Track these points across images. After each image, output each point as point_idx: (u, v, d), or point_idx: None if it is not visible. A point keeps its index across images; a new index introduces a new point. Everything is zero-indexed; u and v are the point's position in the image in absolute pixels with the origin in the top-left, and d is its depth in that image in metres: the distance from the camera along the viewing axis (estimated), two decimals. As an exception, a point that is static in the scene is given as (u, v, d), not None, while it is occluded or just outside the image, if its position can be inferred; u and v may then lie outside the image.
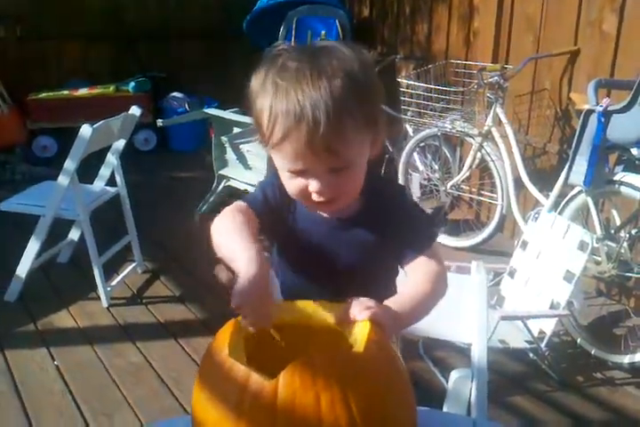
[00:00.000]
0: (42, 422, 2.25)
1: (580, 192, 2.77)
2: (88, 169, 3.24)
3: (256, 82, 1.04)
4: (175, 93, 5.50)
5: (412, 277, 1.12)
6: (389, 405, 0.84)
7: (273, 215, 1.16)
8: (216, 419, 0.83)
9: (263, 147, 1.07)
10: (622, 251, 2.62)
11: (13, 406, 2.33)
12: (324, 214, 1.15)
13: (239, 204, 1.14)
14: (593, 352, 2.68)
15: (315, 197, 1.06)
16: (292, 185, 1.07)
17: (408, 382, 0.90)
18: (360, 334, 0.91)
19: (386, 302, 1.02)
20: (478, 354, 1.46)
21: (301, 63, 1.00)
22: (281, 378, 0.81)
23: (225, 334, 0.90)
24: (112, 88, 5.27)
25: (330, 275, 1.16)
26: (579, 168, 2.68)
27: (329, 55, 1.01)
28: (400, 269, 1.22)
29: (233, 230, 1.05)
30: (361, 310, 0.95)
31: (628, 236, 2.62)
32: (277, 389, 0.80)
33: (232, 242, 1.02)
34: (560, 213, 2.77)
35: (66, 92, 5.20)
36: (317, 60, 1.00)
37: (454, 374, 1.50)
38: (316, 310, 0.99)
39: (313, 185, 1.03)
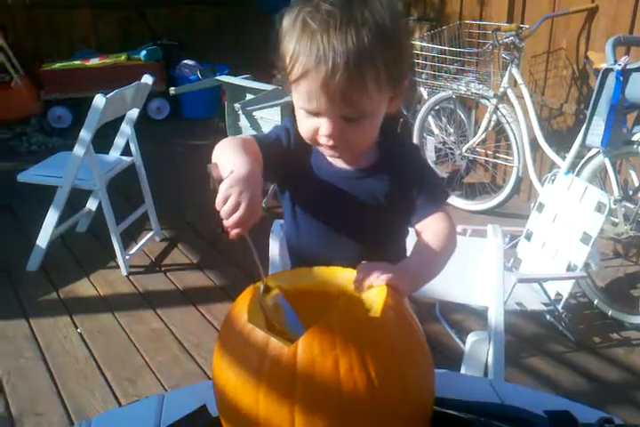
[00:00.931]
0: (68, 387, 2.32)
1: (597, 153, 2.74)
2: (103, 139, 3.26)
3: (287, 19, 1.04)
4: (187, 61, 5.45)
5: (424, 236, 1.11)
6: (407, 368, 0.85)
7: (287, 158, 1.13)
8: (236, 384, 0.85)
9: (284, 85, 1.08)
10: (640, 212, 2.60)
11: (40, 371, 2.40)
12: (342, 164, 1.14)
13: (248, 137, 1.12)
14: (610, 313, 2.69)
15: (323, 140, 1.06)
16: (304, 124, 1.07)
17: (425, 346, 0.91)
18: (377, 298, 0.92)
19: (400, 264, 1.03)
20: (495, 317, 1.47)
21: (334, 8, 0.99)
22: (300, 343, 0.82)
23: (244, 300, 0.91)
24: (124, 57, 5.23)
25: (343, 226, 1.15)
26: (596, 129, 2.64)
27: (364, 3, 1.01)
28: (410, 229, 1.22)
29: (230, 147, 1.04)
30: (377, 274, 0.95)
31: (646, 197, 2.60)
32: (296, 354, 0.81)
33: (227, 154, 1.02)
34: (577, 175, 2.75)
35: (78, 62, 5.17)
36: (350, 8, 0.99)
37: (471, 337, 1.51)
38: (332, 276, 0.99)
39: (323, 128, 1.03)
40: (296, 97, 1.05)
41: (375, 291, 0.94)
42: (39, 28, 5.33)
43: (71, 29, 5.50)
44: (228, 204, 0.90)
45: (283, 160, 1.13)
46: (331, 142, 1.06)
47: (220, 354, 0.90)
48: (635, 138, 2.61)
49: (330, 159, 1.15)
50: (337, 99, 0.99)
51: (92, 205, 3.45)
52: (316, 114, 1.03)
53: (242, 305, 0.90)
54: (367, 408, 0.81)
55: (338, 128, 1.03)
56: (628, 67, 2.50)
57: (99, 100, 2.78)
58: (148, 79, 3.14)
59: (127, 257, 3.14)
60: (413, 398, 0.85)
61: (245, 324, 0.86)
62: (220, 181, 0.92)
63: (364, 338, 0.83)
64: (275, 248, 1.52)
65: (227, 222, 0.91)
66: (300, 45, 0.99)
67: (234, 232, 0.91)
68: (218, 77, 4.14)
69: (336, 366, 0.80)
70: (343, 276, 0.99)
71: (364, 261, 0.99)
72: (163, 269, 3.20)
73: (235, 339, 0.87)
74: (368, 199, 1.14)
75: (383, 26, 1.00)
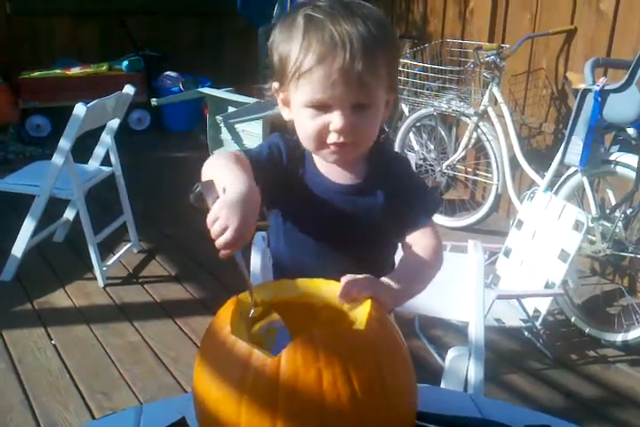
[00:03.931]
0: (40, 400, 2.26)
1: (575, 172, 2.78)
2: (83, 149, 3.23)
3: (284, 22, 1.06)
4: (169, 72, 5.45)
5: (411, 251, 1.11)
6: (391, 382, 0.85)
7: (278, 175, 1.12)
8: (218, 397, 0.84)
9: (278, 94, 1.10)
10: (617, 230, 2.64)
11: (12, 384, 2.34)
12: (337, 179, 1.14)
13: (235, 152, 1.09)
14: (587, 331, 2.71)
15: (333, 137, 1.05)
16: (310, 125, 1.05)
17: (409, 359, 0.91)
18: (361, 311, 0.92)
19: (386, 278, 1.02)
20: (475, 332, 1.47)
21: (334, 5, 1.03)
22: (283, 356, 0.81)
23: (227, 311, 0.90)
24: (105, 67, 5.21)
25: (337, 242, 1.14)
26: (574, 148, 2.68)
27: (358, 6, 1.05)
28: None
29: (221, 164, 1.01)
30: (361, 287, 0.95)
31: (622, 215, 2.63)
32: (279, 366, 0.80)
33: (221, 170, 0.99)
34: (555, 193, 2.78)
35: (58, 70, 5.14)
36: (348, 7, 1.03)
37: (452, 352, 1.51)
38: (316, 288, 0.99)
39: (335, 121, 1.03)
40: (303, 93, 1.03)
41: (359, 304, 0.94)
42: (20, 36, 5.28)
43: (52, 38, 5.45)
44: (216, 226, 0.88)
45: (274, 176, 1.10)
46: (341, 139, 1.05)
47: (201, 365, 0.88)
48: (612, 157, 2.65)
49: (324, 172, 1.14)
50: (355, 83, 1.00)
51: (69, 214, 3.41)
52: (325, 108, 1.03)
53: (224, 316, 0.89)
54: (350, 422, 0.80)
55: (349, 120, 1.03)
56: (606, 88, 2.54)
57: (79, 109, 2.76)
58: (129, 89, 3.13)
59: (104, 268, 3.10)
60: (396, 413, 0.85)
61: (228, 335, 0.85)
62: (215, 199, 0.91)
63: (348, 351, 0.82)
64: (256, 260, 1.51)
65: (216, 242, 0.90)
66: (310, 37, 1.00)
67: (222, 253, 0.90)
68: (200, 89, 4.15)
69: (319, 378, 0.79)
70: (327, 288, 0.99)
71: (348, 274, 0.98)
72: (140, 280, 3.16)
73: (217, 350, 0.87)
74: (364, 216, 1.13)
75: (383, 23, 1.04)
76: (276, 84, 1.11)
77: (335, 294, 0.96)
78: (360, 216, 1.13)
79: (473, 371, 1.46)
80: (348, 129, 1.03)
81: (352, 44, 0.98)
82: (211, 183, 0.94)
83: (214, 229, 0.89)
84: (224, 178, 0.94)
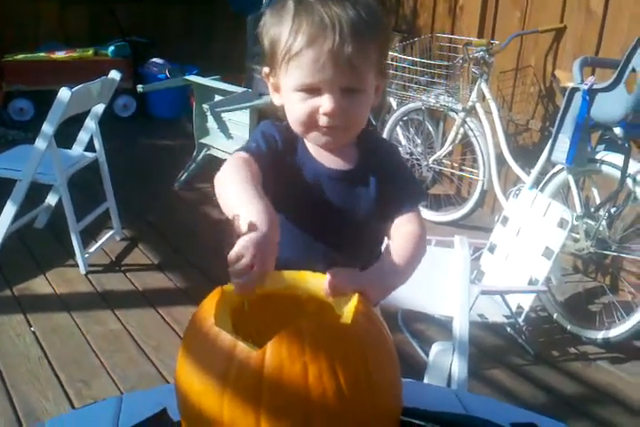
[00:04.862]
0: (18, 388, 2.24)
1: (561, 170, 2.79)
2: (67, 134, 3.18)
3: (273, 9, 1.06)
4: (155, 59, 5.38)
5: (394, 239, 1.11)
6: (377, 377, 0.83)
7: (276, 163, 1.10)
8: (201, 389, 0.82)
9: (268, 78, 1.10)
10: (601, 229, 2.66)
11: (-11, 372, 2.32)
12: (327, 164, 1.13)
13: (242, 155, 1.07)
14: (568, 328, 2.73)
15: (323, 120, 1.04)
16: (300, 108, 1.05)
17: (394, 354, 0.90)
18: (347, 304, 0.91)
19: (370, 270, 1.01)
20: (460, 328, 1.47)
21: None
22: (268, 348, 0.80)
23: (210, 302, 0.88)
24: (91, 52, 5.14)
25: (326, 227, 1.12)
26: (561, 146, 2.69)
27: None
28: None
29: (237, 182, 0.99)
30: (348, 280, 0.94)
31: (606, 214, 2.65)
32: (264, 359, 0.79)
33: (236, 195, 0.96)
34: (541, 191, 2.79)
35: (43, 54, 5.06)
36: None
37: (435, 347, 1.51)
38: (303, 281, 0.98)
39: (325, 105, 1.02)
40: (293, 77, 1.03)
41: (346, 297, 0.93)
42: (4, 19, 5.19)
43: (38, 21, 5.36)
44: (239, 265, 0.86)
45: (273, 166, 1.09)
46: (331, 122, 1.04)
47: (183, 357, 0.87)
48: (598, 156, 2.66)
49: (316, 157, 1.13)
50: (344, 66, 1.00)
51: (51, 200, 3.36)
52: (315, 91, 1.03)
53: (208, 307, 0.87)
54: (335, 417, 0.79)
55: (339, 104, 1.02)
56: (594, 87, 2.55)
57: (64, 94, 2.72)
58: (115, 75, 3.09)
59: (86, 255, 3.07)
60: (382, 407, 0.84)
61: (212, 327, 0.83)
62: (238, 235, 0.87)
63: (334, 345, 0.81)
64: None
65: (233, 279, 0.88)
66: (300, 20, 1.00)
67: (240, 291, 0.88)
68: (187, 77, 4.10)
69: (305, 372, 0.78)
70: (313, 280, 0.97)
71: (334, 267, 0.97)
72: (122, 269, 3.13)
73: (200, 342, 0.85)
74: (354, 202, 1.13)
75: (373, 8, 1.05)
76: (266, 69, 1.10)
77: (321, 287, 0.95)
78: (350, 203, 1.13)
79: (457, 366, 1.46)
80: (337, 112, 1.03)
81: (342, 27, 0.98)
82: (236, 218, 0.90)
83: (237, 268, 0.86)
84: (247, 212, 0.90)
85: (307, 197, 1.12)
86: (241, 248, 0.85)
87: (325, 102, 1.02)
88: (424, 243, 1.11)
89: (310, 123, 1.06)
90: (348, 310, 0.89)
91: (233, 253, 0.86)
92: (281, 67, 1.04)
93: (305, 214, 1.13)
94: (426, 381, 1.51)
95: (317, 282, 0.96)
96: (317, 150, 1.13)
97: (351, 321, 0.85)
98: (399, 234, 1.10)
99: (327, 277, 0.95)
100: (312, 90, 1.03)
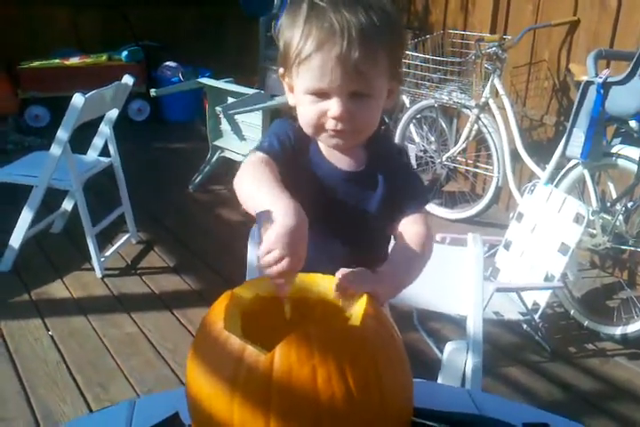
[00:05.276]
0: (37, 392, 2.26)
1: (576, 165, 2.76)
2: (82, 139, 3.21)
3: (290, 8, 1.07)
4: (169, 63, 5.41)
5: (400, 240, 1.11)
6: (387, 379, 0.83)
7: (289, 161, 1.11)
8: (210, 392, 0.83)
9: (283, 79, 1.11)
10: (617, 224, 2.62)
11: (9, 375, 2.34)
12: (337, 164, 1.14)
13: (260, 155, 1.08)
14: (586, 324, 2.70)
15: (331, 124, 1.06)
16: (310, 110, 1.07)
17: (405, 355, 0.90)
18: (357, 306, 0.90)
19: (378, 271, 1.01)
20: (474, 326, 1.46)
21: None
22: (277, 352, 0.79)
23: (220, 306, 0.88)
24: (104, 57, 5.18)
25: (335, 227, 1.12)
26: (576, 140, 2.66)
27: None
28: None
29: (260, 180, 1.00)
30: (357, 282, 0.94)
31: (623, 209, 2.62)
32: (273, 362, 0.79)
33: (260, 193, 0.98)
34: (556, 186, 2.76)
35: (57, 60, 5.11)
36: None
37: (449, 346, 1.50)
38: (313, 283, 0.97)
39: (333, 109, 1.04)
40: (304, 80, 1.05)
41: (355, 299, 0.92)
42: (18, 26, 5.24)
43: (51, 27, 5.40)
44: (271, 257, 0.87)
45: (287, 165, 1.10)
46: (339, 126, 1.05)
47: (193, 361, 0.87)
48: (614, 150, 2.63)
49: (328, 157, 1.14)
50: (351, 71, 1.01)
51: (67, 205, 3.39)
52: (324, 95, 1.04)
53: (218, 311, 0.87)
54: (345, 420, 0.79)
55: (347, 108, 1.03)
56: (608, 80, 2.52)
57: (77, 99, 2.74)
58: (128, 79, 3.11)
59: (102, 259, 3.09)
60: (392, 410, 0.83)
61: (221, 331, 0.84)
62: (266, 228, 0.89)
63: (343, 348, 0.81)
64: (253, 254, 1.49)
65: (267, 271, 0.89)
66: (311, 23, 1.01)
67: (276, 283, 0.90)
68: (199, 80, 4.11)
69: (314, 375, 0.78)
70: (323, 283, 0.97)
71: (342, 268, 0.97)
72: (138, 272, 3.15)
73: (209, 346, 0.85)
74: (363, 203, 1.13)
75: (387, 12, 1.04)
76: (281, 70, 1.12)
77: (330, 289, 0.94)
78: (360, 203, 1.13)
79: (471, 365, 1.45)
80: (345, 116, 1.04)
81: (350, 33, 0.99)
82: (267, 214, 0.91)
83: (268, 260, 0.87)
84: (275, 203, 0.93)
85: (319, 197, 1.11)
86: (273, 242, 0.86)
87: (333, 106, 1.04)
88: (431, 243, 1.11)
89: (319, 125, 1.07)
90: (357, 311, 0.89)
91: (264, 247, 0.87)
92: (293, 69, 1.06)
93: (317, 214, 1.13)
94: (440, 380, 1.50)
95: (327, 285, 0.96)
96: (329, 151, 1.14)
97: (360, 323, 0.85)
98: (405, 235, 1.10)
99: (336, 278, 0.95)
100: (321, 93, 1.04)
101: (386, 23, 1.03)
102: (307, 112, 1.07)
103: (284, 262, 0.87)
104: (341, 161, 1.14)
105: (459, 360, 1.46)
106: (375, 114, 1.09)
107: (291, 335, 0.81)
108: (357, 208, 1.14)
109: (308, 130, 1.10)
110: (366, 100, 1.05)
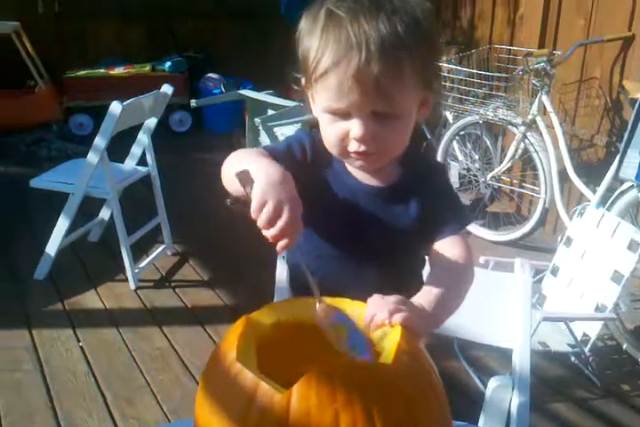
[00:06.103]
0: (64, 403, 2.22)
1: (630, 187, 2.63)
2: (122, 148, 3.19)
3: (308, 15, 0.97)
4: (211, 74, 5.44)
5: (440, 264, 1.01)
6: (422, 424, 0.73)
7: (296, 171, 1.01)
8: (220, 430, 0.74)
9: (306, 90, 1.02)
10: (675, 251, 2.47)
11: (38, 386, 2.31)
12: (364, 180, 1.05)
13: (253, 149, 1.04)
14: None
15: (354, 146, 0.97)
16: (330, 130, 0.98)
17: (444, 396, 0.80)
18: (389, 340, 0.81)
19: (417, 299, 0.92)
20: (520, 361, 1.34)
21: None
22: (294, 391, 0.70)
23: (234, 334, 0.80)
24: (148, 67, 5.23)
25: (362, 248, 1.04)
26: (630, 161, 2.54)
27: None
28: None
29: (246, 156, 0.97)
30: (391, 311, 0.84)
31: (681, 235, 2.46)
32: (290, 403, 0.70)
33: (247, 159, 0.94)
34: (608, 210, 2.62)
35: (102, 70, 5.18)
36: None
37: (493, 382, 1.38)
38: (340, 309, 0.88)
39: (355, 130, 0.94)
40: (321, 98, 0.96)
41: (388, 331, 0.83)
42: (67, 36, 5.34)
43: (98, 38, 5.50)
44: (266, 211, 0.81)
45: (296, 172, 1.00)
46: (362, 148, 0.96)
47: (203, 393, 0.79)
48: (671, 173, 2.49)
49: (353, 172, 1.05)
50: (371, 90, 0.91)
51: (104, 214, 3.38)
52: (344, 115, 0.95)
53: (231, 340, 0.79)
54: (372, 473, 0.69)
55: (370, 129, 0.94)
56: (667, 98, 2.39)
57: (115, 107, 2.72)
58: (167, 89, 3.09)
59: (137, 270, 3.06)
60: (426, 461, 0.74)
61: (233, 362, 0.75)
62: (251, 186, 0.82)
63: (371, 389, 0.71)
64: (282, 273, 1.41)
65: (269, 233, 0.82)
66: (328, 35, 0.92)
67: (281, 244, 0.83)
68: (240, 91, 4.10)
69: (336, 421, 0.69)
70: (351, 309, 0.87)
71: (375, 294, 0.88)
72: (172, 284, 3.10)
73: (220, 379, 0.77)
74: (392, 222, 1.04)
75: (415, 17, 0.93)
76: (303, 80, 1.03)
77: (360, 318, 0.85)
78: (387, 222, 1.04)
79: (516, 405, 1.33)
80: (368, 138, 0.95)
81: (368, 46, 0.89)
82: (247, 173, 0.85)
83: (265, 216, 0.81)
84: (256, 163, 0.89)
85: (338, 213, 1.04)
86: (260, 194, 0.80)
87: (355, 127, 0.94)
88: (472, 269, 1.02)
89: (342, 147, 0.98)
90: (390, 346, 0.79)
91: (255, 202, 0.81)
92: (311, 83, 0.97)
93: (336, 232, 1.05)
94: (482, 421, 1.38)
95: (356, 312, 0.87)
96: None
97: (392, 360, 0.75)
98: (444, 259, 1.01)
99: (368, 305, 0.86)
100: (341, 113, 0.95)
101: (412, 31, 0.92)
102: (327, 132, 0.99)
103: (284, 215, 0.80)
104: (367, 176, 1.06)
105: (503, 399, 1.34)
106: (403, 133, 0.99)
107: (310, 373, 0.71)
108: (387, 226, 1.04)
109: (332, 151, 1.02)
110: (391, 120, 0.95)
